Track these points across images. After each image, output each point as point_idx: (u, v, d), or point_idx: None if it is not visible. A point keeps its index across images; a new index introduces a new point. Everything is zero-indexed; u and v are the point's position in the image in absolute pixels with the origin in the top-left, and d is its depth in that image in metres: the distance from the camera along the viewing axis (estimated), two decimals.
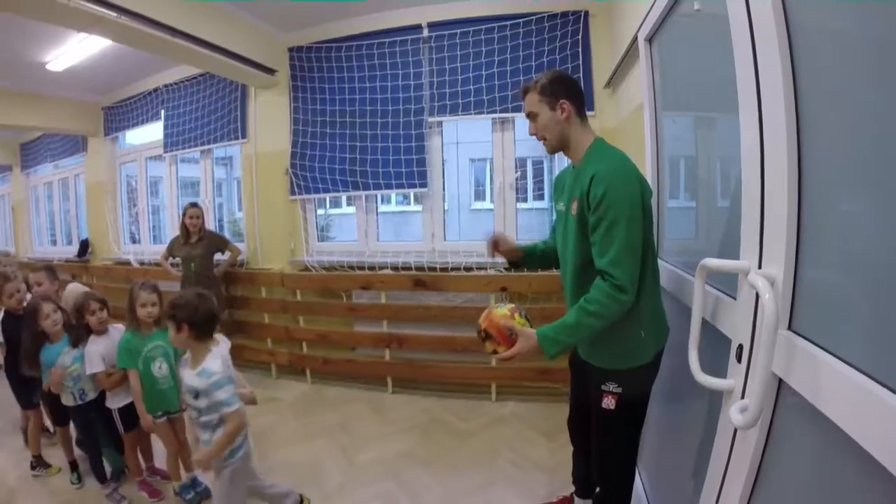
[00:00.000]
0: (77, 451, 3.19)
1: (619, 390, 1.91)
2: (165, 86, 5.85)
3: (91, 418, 2.93)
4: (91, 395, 2.88)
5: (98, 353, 2.78)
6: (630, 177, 1.76)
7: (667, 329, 1.97)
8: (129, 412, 2.87)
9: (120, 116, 6.50)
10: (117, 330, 2.92)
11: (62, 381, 2.80)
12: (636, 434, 2.06)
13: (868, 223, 0.94)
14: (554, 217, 2.24)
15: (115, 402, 2.86)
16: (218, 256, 4.78)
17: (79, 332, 2.85)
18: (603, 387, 1.93)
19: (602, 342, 1.93)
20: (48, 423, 3.41)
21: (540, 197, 5.91)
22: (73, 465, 3.13)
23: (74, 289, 3.36)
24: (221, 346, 2.37)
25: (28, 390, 3.21)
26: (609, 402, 1.92)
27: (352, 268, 4.66)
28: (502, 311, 1.94)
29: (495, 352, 1.91)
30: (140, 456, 3.06)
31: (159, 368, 2.78)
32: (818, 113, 1.04)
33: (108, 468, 3.07)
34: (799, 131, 1.08)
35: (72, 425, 3.11)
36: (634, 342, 1.88)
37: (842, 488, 0.97)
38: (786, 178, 1.08)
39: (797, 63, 1.08)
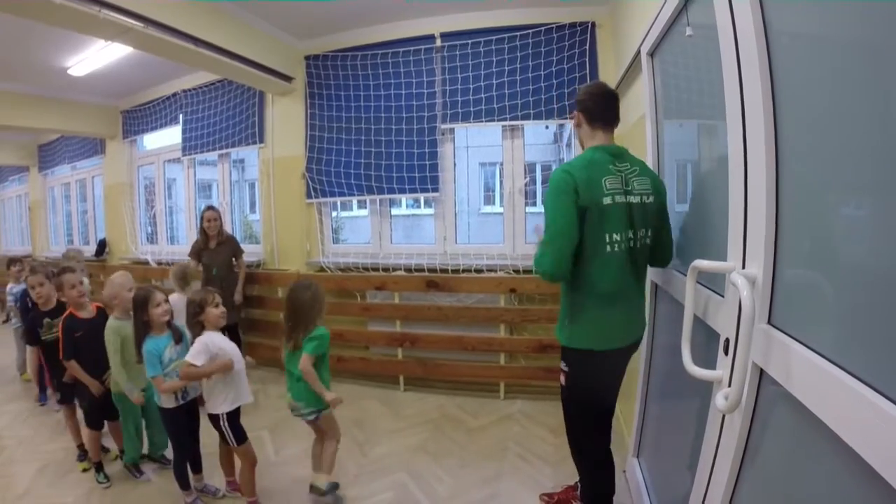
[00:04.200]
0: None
1: (567, 369, 2.12)
2: (184, 91, 6.02)
3: (183, 420, 2.76)
4: (192, 394, 2.76)
5: (208, 346, 2.55)
6: (561, 173, 1.94)
7: (603, 338, 2.03)
8: (236, 420, 2.68)
9: (138, 120, 6.69)
10: (208, 335, 2.66)
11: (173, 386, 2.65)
12: (588, 421, 2.20)
13: (837, 227, 1.07)
14: None
15: (218, 407, 2.62)
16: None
17: (193, 327, 2.64)
18: (561, 364, 2.15)
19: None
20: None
21: None
22: (99, 466, 3.14)
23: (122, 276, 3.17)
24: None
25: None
26: (562, 379, 2.15)
27: (366, 269, 4.80)
28: None
29: None
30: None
31: None
32: (794, 127, 1.16)
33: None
34: (777, 144, 1.21)
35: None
36: (565, 324, 2.10)
37: (816, 468, 1.07)
38: (764, 185, 1.22)
39: (776, 85, 1.21)
